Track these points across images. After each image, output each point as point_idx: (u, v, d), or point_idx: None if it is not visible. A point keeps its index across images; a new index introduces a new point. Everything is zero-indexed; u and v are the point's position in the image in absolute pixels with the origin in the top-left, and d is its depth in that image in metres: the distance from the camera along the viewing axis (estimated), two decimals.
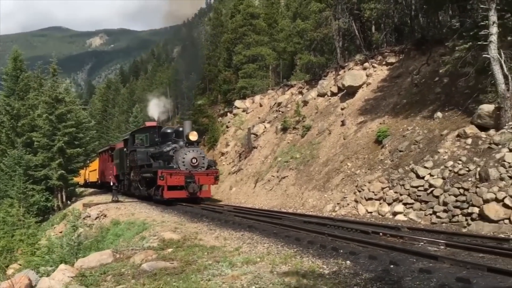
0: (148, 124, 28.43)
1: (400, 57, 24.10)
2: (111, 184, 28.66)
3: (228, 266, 7.59)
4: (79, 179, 41.62)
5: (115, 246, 11.72)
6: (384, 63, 24.74)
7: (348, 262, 7.60)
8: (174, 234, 11.24)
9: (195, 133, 22.08)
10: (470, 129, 14.48)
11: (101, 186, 37.65)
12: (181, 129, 22.94)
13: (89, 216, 20.45)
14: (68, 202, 31.86)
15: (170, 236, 10.94)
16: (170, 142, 22.81)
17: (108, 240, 14.62)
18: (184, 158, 21.27)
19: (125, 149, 26.88)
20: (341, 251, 8.51)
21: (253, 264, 7.73)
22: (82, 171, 40.35)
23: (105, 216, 19.55)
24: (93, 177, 41.83)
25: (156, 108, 33.84)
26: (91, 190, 41.55)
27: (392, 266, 7.17)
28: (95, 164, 40.77)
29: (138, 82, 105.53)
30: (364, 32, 28.43)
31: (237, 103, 39.03)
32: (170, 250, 9.48)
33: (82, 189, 43.28)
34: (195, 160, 21.23)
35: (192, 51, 77.36)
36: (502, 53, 13.97)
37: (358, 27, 27.84)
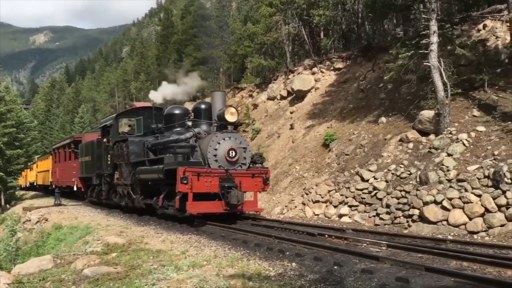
0: (138, 104, 19.78)
1: (347, 63, 24.75)
2: (75, 189, 23.70)
3: (174, 270, 7.48)
4: (20, 181, 39.60)
5: (56, 251, 11.29)
6: (332, 68, 25.32)
7: (293, 264, 7.68)
8: (119, 238, 10.97)
9: (233, 110, 13.92)
10: (412, 134, 15.07)
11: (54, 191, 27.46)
12: (203, 106, 15.16)
13: (29, 220, 19.57)
14: (7, 205, 30.43)
15: (115, 240, 10.66)
16: (179, 129, 15.04)
17: (49, 245, 14.05)
18: (216, 149, 13.26)
19: (104, 140, 18.68)
20: (287, 253, 8.59)
21: (199, 267, 7.66)
22: (24, 172, 38.41)
23: (46, 220, 18.78)
24: (43, 179, 34.06)
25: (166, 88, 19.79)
26: (32, 193, 39.75)
27: (336, 267, 7.31)
28: (46, 164, 33.55)
29: (84, 82, 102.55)
30: (313, 38, 29.00)
31: (187, 104, 38.71)
32: (114, 254, 9.24)
33: (22, 192, 41.38)
34: (233, 153, 13.35)
35: (141, 51, 75.96)
36: (441, 62, 14.63)
37: (308, 32, 28.37)
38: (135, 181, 15.72)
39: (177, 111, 15.93)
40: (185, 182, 12.46)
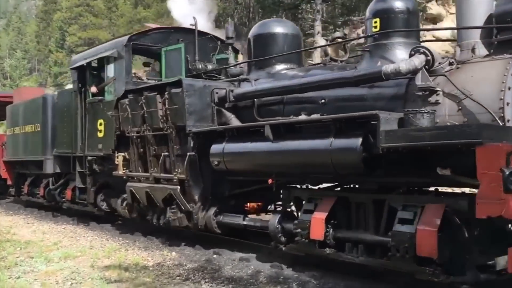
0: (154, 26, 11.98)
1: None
2: None
3: (43, 262, 7.05)
4: None
5: None
6: None
7: (173, 253, 7.68)
8: None
9: None
10: None
11: None
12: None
13: None
14: None
15: None
16: (282, 66, 7.67)
17: None
18: None
19: (92, 91, 9.98)
20: (168, 243, 8.52)
21: (72, 259, 7.32)
22: None
23: None
24: None
25: None
26: None
27: (215, 256, 7.44)
28: None
29: None
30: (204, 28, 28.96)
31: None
32: None
33: None
34: None
35: (19, 26, 69.88)
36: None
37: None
38: (195, 174, 7.48)
39: (280, 29, 7.80)
40: None
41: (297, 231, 6.01)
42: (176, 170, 7.59)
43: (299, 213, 6.17)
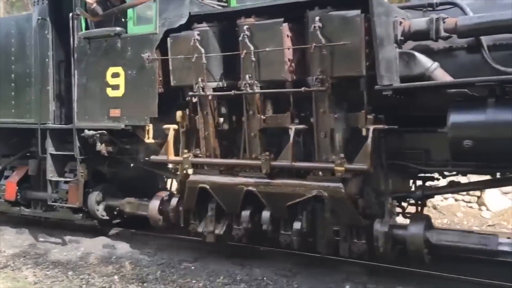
0: None
1: None
2: None
3: None
4: None
5: None
6: None
7: None
8: None
9: None
10: None
11: None
12: None
13: None
14: None
15: None
16: None
17: None
18: None
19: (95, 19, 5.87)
20: None
21: None
22: None
23: None
24: None
25: None
26: None
27: (41, 239, 6.97)
28: None
29: None
30: None
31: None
32: None
33: None
34: None
35: None
36: None
37: None
38: (378, 163, 4.70)
39: None
40: None
41: None
42: (339, 156, 4.40)
43: None
